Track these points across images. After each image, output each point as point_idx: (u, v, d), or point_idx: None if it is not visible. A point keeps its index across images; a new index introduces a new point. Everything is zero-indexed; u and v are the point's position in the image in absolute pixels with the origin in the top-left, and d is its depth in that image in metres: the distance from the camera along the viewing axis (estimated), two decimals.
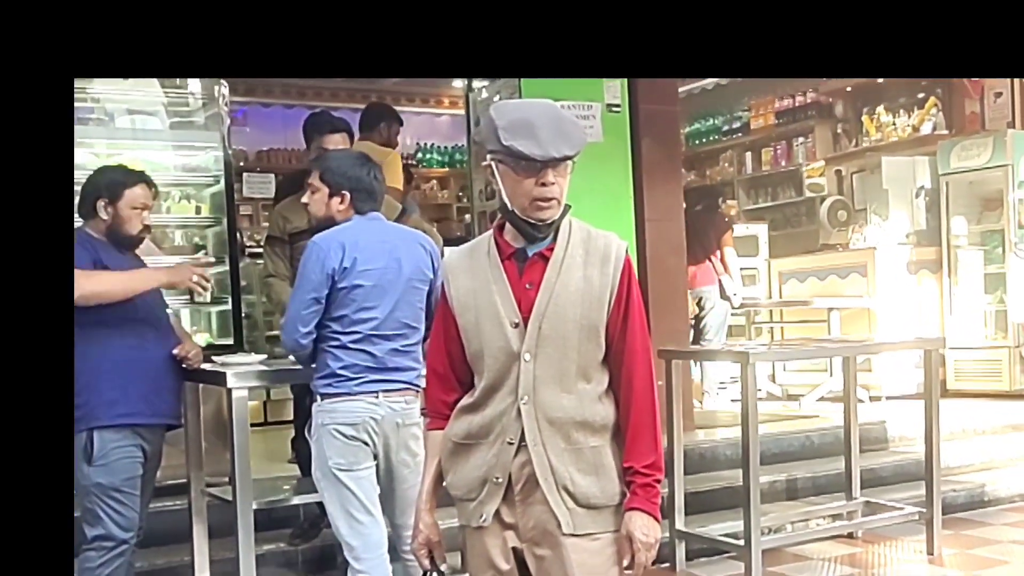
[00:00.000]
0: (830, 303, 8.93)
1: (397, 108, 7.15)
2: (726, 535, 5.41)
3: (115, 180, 3.99)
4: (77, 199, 3.94)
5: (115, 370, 3.84)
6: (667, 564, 5.47)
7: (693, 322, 8.75)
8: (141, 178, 4.05)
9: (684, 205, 7.78)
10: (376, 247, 3.82)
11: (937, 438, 5.77)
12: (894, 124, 10.59)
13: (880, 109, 10.77)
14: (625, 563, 2.51)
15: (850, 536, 5.99)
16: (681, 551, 5.49)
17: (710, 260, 8.82)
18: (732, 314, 9.21)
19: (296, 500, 4.69)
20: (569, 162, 2.44)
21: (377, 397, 3.76)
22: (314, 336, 3.78)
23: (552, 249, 2.51)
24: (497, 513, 2.52)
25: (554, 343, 2.46)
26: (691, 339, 8.55)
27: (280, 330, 3.92)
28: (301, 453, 5.10)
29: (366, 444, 3.78)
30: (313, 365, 3.86)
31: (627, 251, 2.56)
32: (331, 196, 3.92)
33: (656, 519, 2.51)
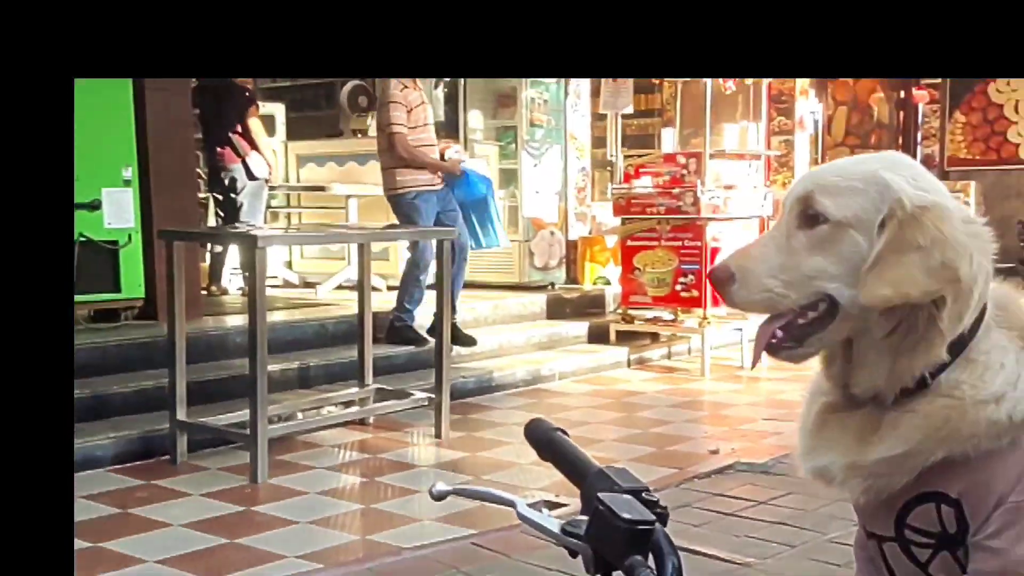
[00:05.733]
0: (348, 190, 8.78)
1: None
2: (232, 424, 5.19)
3: None
4: None
5: None
6: (167, 456, 5.20)
7: (220, 200, 8.37)
8: None
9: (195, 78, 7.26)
10: None
11: (447, 326, 5.81)
12: None
13: None
14: None
15: (362, 423, 5.97)
16: (183, 443, 5.20)
17: (230, 138, 8.29)
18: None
19: None
20: None
21: None
22: None
23: None
24: None
25: None
26: (225, 221, 8.18)
27: None
28: None
29: None
30: None
31: None
32: None
33: None
